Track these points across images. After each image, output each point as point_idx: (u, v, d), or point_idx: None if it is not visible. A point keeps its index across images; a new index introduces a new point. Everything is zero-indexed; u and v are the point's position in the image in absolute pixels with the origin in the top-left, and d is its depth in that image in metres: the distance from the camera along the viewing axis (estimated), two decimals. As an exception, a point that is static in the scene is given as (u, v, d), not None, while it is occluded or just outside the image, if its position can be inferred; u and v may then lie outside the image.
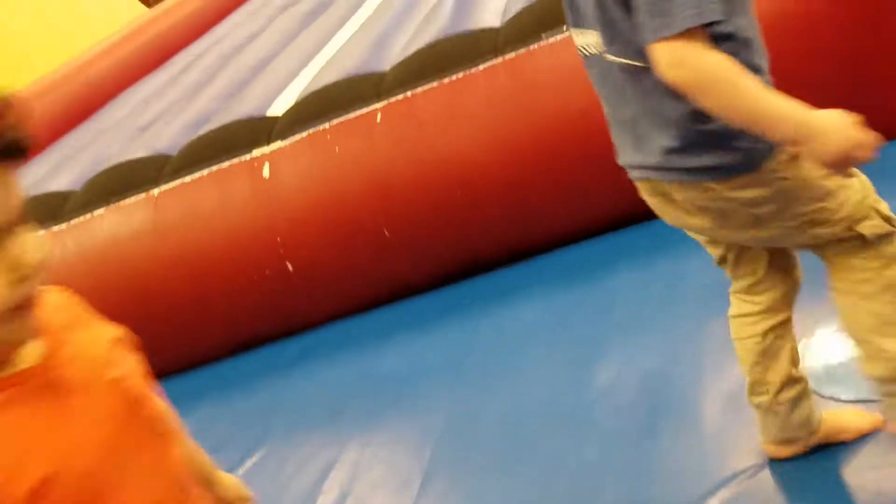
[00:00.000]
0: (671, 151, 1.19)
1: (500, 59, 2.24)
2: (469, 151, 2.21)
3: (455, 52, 2.32)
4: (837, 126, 1.11)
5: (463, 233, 2.28)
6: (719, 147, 1.18)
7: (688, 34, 1.07)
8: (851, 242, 1.24)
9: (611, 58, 1.18)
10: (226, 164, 2.46)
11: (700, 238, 1.36)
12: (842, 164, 1.13)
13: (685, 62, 1.09)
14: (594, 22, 1.18)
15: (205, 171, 2.47)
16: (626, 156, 1.27)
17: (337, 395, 2.15)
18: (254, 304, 2.41)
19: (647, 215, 2.15)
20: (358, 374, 2.18)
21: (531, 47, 2.21)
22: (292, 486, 1.90)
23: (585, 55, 1.24)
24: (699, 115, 1.15)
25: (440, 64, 2.31)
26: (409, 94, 2.30)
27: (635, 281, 1.99)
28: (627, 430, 1.58)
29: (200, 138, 2.60)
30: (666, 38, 1.08)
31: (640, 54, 1.13)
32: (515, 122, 2.19)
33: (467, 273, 2.32)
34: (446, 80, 2.27)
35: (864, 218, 1.23)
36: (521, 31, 2.26)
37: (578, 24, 1.22)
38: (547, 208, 2.25)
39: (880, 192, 1.77)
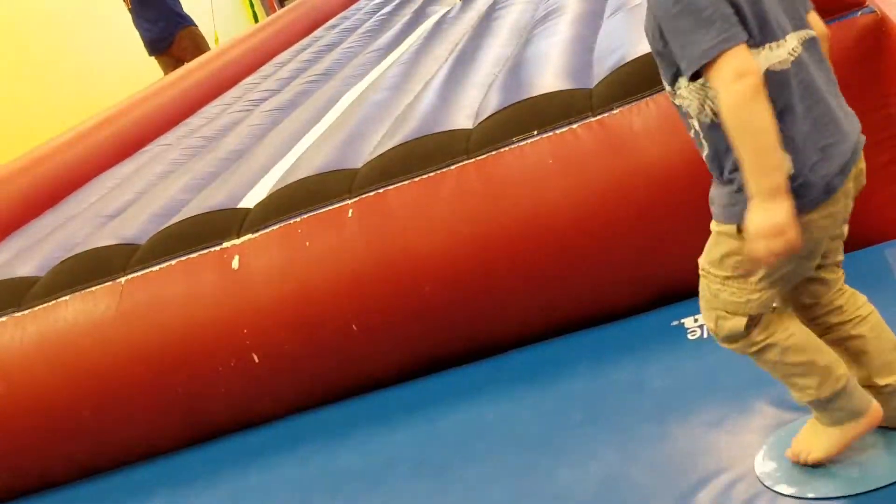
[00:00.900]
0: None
1: (471, 160, 2.28)
2: (439, 248, 2.23)
3: (428, 151, 2.37)
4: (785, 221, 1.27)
5: (429, 329, 2.29)
6: None
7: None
8: None
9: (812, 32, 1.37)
10: (195, 254, 2.46)
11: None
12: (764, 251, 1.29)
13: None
14: (800, 12, 1.35)
15: (173, 261, 2.47)
16: (842, 154, 1.35)
17: (297, 491, 2.12)
18: (217, 394, 2.39)
19: (609, 317, 2.20)
20: (319, 469, 2.15)
21: (502, 149, 2.25)
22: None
23: (795, 56, 1.33)
24: None
25: (413, 162, 2.35)
26: (381, 190, 2.33)
27: (596, 382, 2.00)
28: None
29: (170, 227, 2.60)
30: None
31: None
32: (485, 221, 2.23)
33: (432, 369, 2.32)
34: (418, 178, 2.31)
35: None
36: (492, 133, 2.32)
37: (779, 33, 1.33)
38: (512, 307, 2.27)
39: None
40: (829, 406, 1.44)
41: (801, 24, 1.35)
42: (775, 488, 1.50)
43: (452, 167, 2.30)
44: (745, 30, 1.26)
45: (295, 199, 2.46)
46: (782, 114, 1.29)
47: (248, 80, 5.17)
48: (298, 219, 2.39)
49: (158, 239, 2.56)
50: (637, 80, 2.21)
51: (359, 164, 2.53)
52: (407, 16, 5.24)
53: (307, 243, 2.35)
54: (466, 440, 2.01)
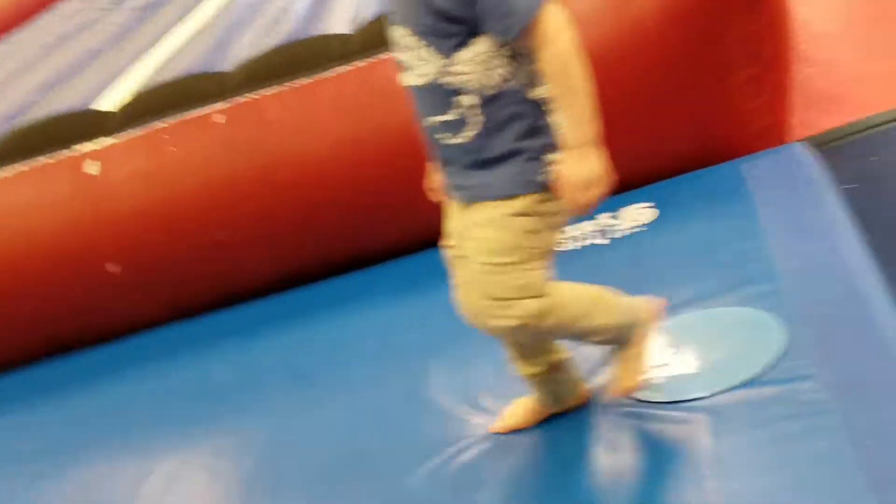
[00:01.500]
0: None
1: (351, 67, 2.20)
2: (315, 157, 2.15)
3: (304, 57, 2.27)
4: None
5: (302, 239, 2.22)
6: None
7: None
8: None
9: None
10: (47, 158, 2.30)
11: None
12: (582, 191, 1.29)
13: None
14: None
15: (24, 167, 2.31)
16: None
17: (158, 405, 2.05)
18: (72, 306, 2.27)
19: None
20: (182, 382, 2.08)
21: (383, 56, 2.18)
22: (102, 498, 1.80)
23: None
24: None
25: (289, 67, 2.25)
26: (255, 95, 2.23)
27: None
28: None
29: (17, 131, 2.43)
30: None
31: None
32: (363, 130, 2.16)
33: (303, 280, 2.26)
34: (296, 84, 2.21)
35: None
36: (373, 40, 2.23)
37: None
38: (389, 218, 2.22)
39: (710, 214, 1.83)
40: (626, 331, 1.43)
41: None
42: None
43: (330, 74, 2.21)
44: None
45: (162, 102, 2.33)
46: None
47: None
48: (164, 124, 2.26)
49: (5, 142, 2.39)
50: None
51: (229, 68, 2.41)
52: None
53: (173, 149, 2.23)
54: (337, 352, 1.98)
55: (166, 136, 2.25)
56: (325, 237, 2.23)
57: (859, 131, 2.26)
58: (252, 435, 1.82)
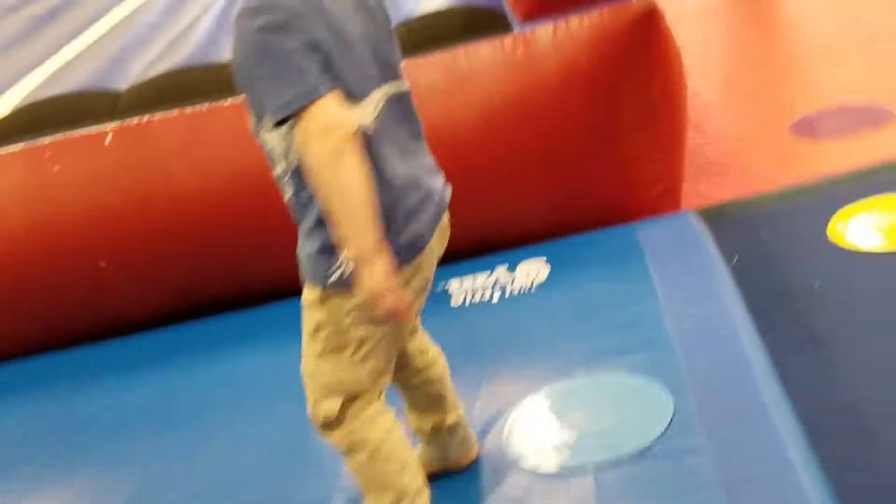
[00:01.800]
0: (435, 167, 1.37)
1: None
2: (204, 185, 2.10)
3: (200, 82, 2.22)
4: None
5: (188, 271, 2.16)
6: None
7: None
8: None
9: (405, 86, 1.32)
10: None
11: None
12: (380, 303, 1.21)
13: None
14: (390, 66, 1.30)
15: None
16: (430, 208, 1.30)
17: (24, 440, 1.95)
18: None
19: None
20: (53, 417, 2.00)
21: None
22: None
23: (376, 115, 1.26)
24: None
25: (184, 91, 2.20)
26: (146, 118, 2.17)
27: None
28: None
29: None
30: None
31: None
32: (255, 163, 2.11)
33: (190, 315, 2.20)
34: (188, 110, 2.16)
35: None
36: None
37: (367, 87, 1.27)
38: (277, 255, 2.17)
39: (604, 275, 1.86)
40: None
41: (391, 75, 1.28)
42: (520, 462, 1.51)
43: (227, 102, 2.16)
44: (335, 81, 1.17)
45: (45, 117, 2.25)
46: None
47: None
48: (48, 140, 2.18)
49: None
50: (425, 37, 2.17)
51: (122, 87, 2.35)
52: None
53: (56, 167, 2.15)
54: (221, 391, 1.93)
55: (49, 153, 2.16)
56: (212, 271, 2.17)
57: (745, 207, 2.36)
58: (119, 476, 1.75)
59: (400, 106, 1.29)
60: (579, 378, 1.66)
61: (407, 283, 1.27)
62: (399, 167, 1.25)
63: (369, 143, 1.21)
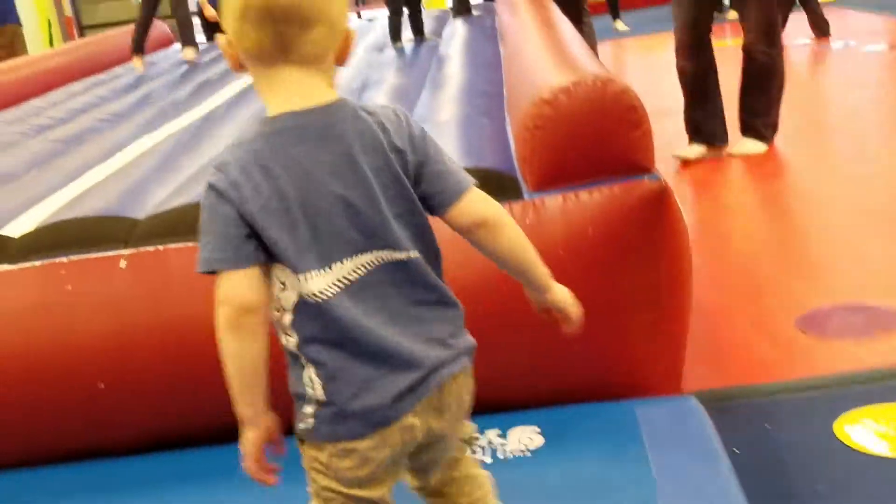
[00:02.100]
0: (452, 336, 1.34)
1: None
2: (209, 317, 2.14)
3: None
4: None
5: (185, 401, 2.19)
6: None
7: None
8: None
9: (402, 255, 1.29)
10: (-59, 274, 2.26)
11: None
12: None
13: (490, 198, 1.40)
14: (368, 236, 1.27)
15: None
16: (396, 384, 1.29)
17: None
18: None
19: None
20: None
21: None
22: None
23: (326, 299, 1.27)
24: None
25: (196, 226, 2.27)
26: (161, 247, 2.24)
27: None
28: None
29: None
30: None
31: (422, 239, 1.33)
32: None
33: (181, 443, 2.21)
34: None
35: None
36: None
37: (326, 259, 1.27)
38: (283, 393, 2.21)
39: (600, 452, 1.81)
40: None
41: (379, 244, 1.28)
42: None
43: (240, 239, 2.24)
44: (247, 256, 1.24)
45: (65, 237, 2.32)
46: (310, 341, 1.27)
47: (35, 102, 4.90)
48: (65, 259, 2.25)
49: None
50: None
51: (140, 215, 2.43)
52: (211, 75, 5.16)
53: (69, 286, 2.21)
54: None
55: (63, 272, 2.23)
56: (208, 403, 2.18)
57: (749, 396, 2.36)
58: None
59: (399, 273, 1.30)
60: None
61: (366, 454, 1.30)
62: (376, 334, 1.27)
63: (322, 310, 1.25)
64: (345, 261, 1.26)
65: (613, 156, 2.16)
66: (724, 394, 2.36)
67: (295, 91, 1.26)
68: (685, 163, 4.61)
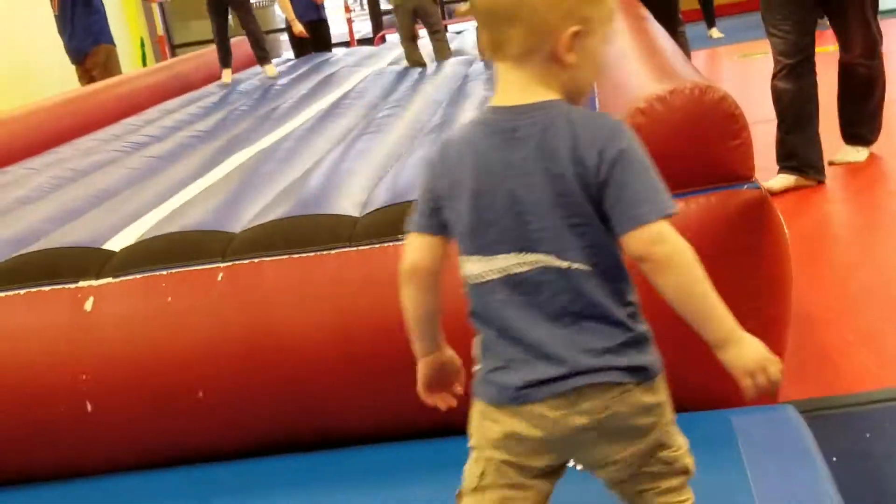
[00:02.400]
0: (607, 351, 1.35)
1: (353, 248, 2.27)
2: (305, 331, 2.19)
3: (310, 231, 2.34)
4: (757, 344, 1.38)
5: (279, 410, 2.23)
6: (646, 348, 1.39)
7: (669, 217, 1.32)
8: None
9: (563, 264, 1.32)
10: (47, 287, 2.33)
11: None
12: (758, 375, 1.36)
13: (667, 238, 1.31)
14: (534, 238, 1.32)
15: (21, 291, 2.34)
16: (533, 373, 1.36)
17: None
18: (43, 439, 2.24)
19: (455, 429, 2.19)
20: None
21: (386, 244, 2.25)
22: None
23: (484, 282, 1.37)
24: (634, 314, 1.39)
25: (294, 238, 2.32)
26: (256, 260, 2.28)
27: (435, 490, 1.96)
28: None
29: (25, 255, 2.47)
30: (661, 218, 1.30)
31: (595, 254, 1.33)
32: (355, 312, 2.20)
33: (274, 451, 2.25)
34: (297, 256, 2.27)
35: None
36: (379, 226, 2.31)
37: (489, 249, 1.36)
38: (365, 403, 2.23)
39: (696, 461, 1.82)
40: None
41: (530, 248, 1.33)
42: None
43: (333, 252, 2.27)
44: (431, 225, 1.41)
45: (165, 251, 2.38)
46: (472, 314, 1.41)
47: (131, 120, 5.05)
48: (165, 272, 2.31)
49: (10, 265, 2.43)
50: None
51: (237, 229, 2.48)
52: (303, 91, 5.25)
53: (169, 298, 2.26)
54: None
55: (164, 284, 2.28)
56: (301, 412, 2.23)
57: (848, 405, 2.31)
58: None
59: (560, 281, 1.33)
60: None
61: (505, 426, 1.39)
62: (524, 326, 1.36)
63: (479, 292, 1.38)
64: (504, 255, 1.35)
65: (712, 165, 2.13)
66: (823, 402, 2.32)
67: (505, 87, 1.36)
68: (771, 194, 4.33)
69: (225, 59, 6.04)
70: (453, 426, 2.18)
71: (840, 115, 4.42)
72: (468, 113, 3.64)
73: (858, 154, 4.45)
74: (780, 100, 4.23)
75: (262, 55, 6.18)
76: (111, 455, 2.28)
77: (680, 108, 2.13)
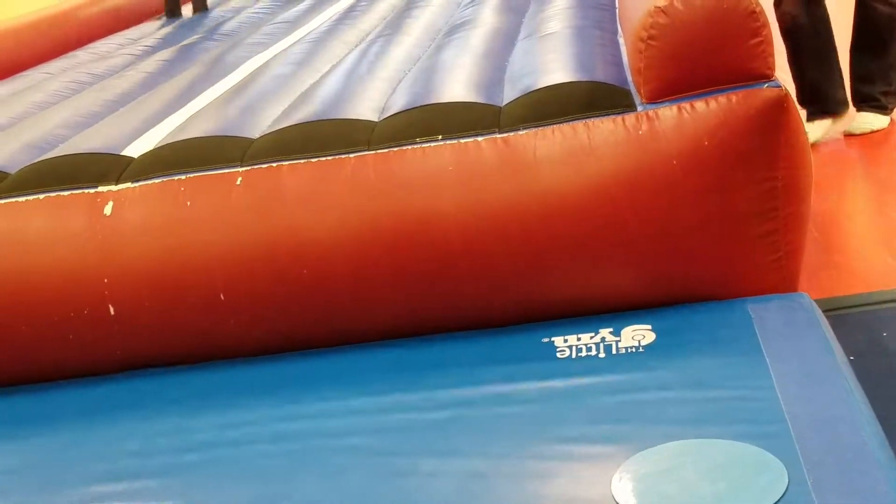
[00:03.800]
0: None
1: (371, 152, 2.26)
2: (323, 234, 2.20)
3: (329, 135, 2.34)
4: None
5: (298, 311, 2.26)
6: None
7: None
8: None
9: None
10: (66, 192, 2.35)
11: None
12: None
13: None
14: None
15: (41, 195, 2.35)
16: None
17: (124, 458, 2.01)
18: (66, 341, 2.29)
19: (481, 326, 2.23)
20: (161, 434, 2.07)
21: (404, 147, 2.24)
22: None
23: None
24: None
25: (312, 142, 2.32)
26: (274, 164, 2.28)
27: (465, 386, 2.01)
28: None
29: (45, 161, 2.48)
30: None
31: None
32: (374, 215, 2.21)
33: (295, 349, 2.30)
34: (315, 160, 2.27)
35: None
36: (397, 130, 2.30)
37: None
38: (385, 303, 2.26)
39: (712, 347, 1.81)
40: None
41: None
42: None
43: (351, 156, 2.27)
44: None
45: (183, 156, 2.39)
46: None
47: (148, 23, 5.00)
48: (183, 177, 2.32)
49: (30, 170, 2.44)
50: (547, 108, 2.24)
51: (255, 135, 2.48)
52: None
53: (188, 203, 2.28)
54: (326, 423, 1.99)
55: (182, 189, 2.29)
56: (321, 314, 2.26)
57: (866, 304, 2.32)
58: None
59: None
60: (690, 439, 1.65)
61: None
62: None
63: None
64: None
65: (731, 64, 2.11)
66: (841, 301, 2.35)
67: None
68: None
69: None
70: (467, 324, 2.25)
71: (851, 70, 3.85)
72: (488, 14, 3.57)
73: (878, 120, 3.85)
74: (792, 30, 3.73)
75: None
76: (133, 356, 2.33)
77: (700, 6, 2.10)
